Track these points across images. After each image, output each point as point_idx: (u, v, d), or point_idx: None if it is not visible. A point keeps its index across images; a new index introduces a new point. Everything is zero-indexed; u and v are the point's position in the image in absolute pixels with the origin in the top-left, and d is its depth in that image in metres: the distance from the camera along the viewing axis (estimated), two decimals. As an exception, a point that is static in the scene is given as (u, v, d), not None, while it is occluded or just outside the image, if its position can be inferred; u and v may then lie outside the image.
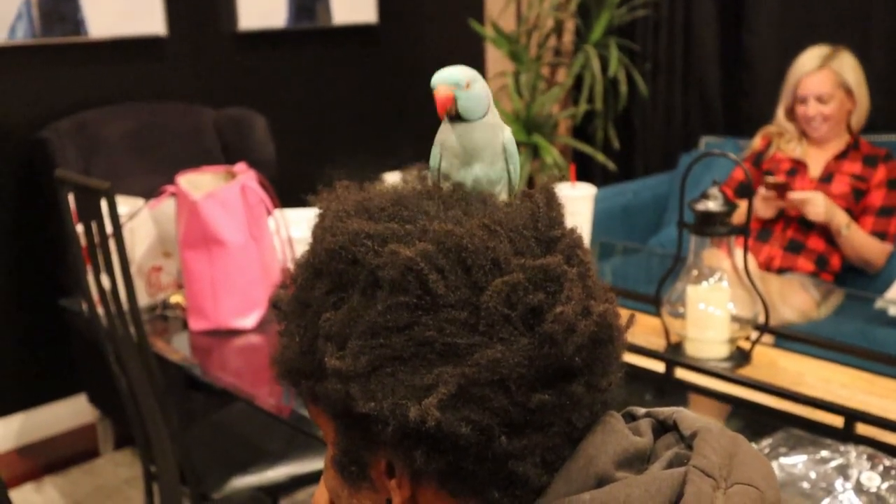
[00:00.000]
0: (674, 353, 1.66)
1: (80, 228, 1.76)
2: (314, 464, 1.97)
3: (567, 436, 0.64)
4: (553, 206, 0.69)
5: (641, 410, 0.72)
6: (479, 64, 4.06)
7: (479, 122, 0.72)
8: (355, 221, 0.66)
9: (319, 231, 0.69)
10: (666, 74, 3.69)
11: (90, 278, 1.80)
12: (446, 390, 0.60)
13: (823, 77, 2.64)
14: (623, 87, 3.52)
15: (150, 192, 2.04)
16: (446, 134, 0.73)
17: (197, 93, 3.23)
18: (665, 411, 0.70)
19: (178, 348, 1.93)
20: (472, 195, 0.71)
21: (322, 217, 0.71)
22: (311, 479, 1.97)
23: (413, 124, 3.81)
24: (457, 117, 0.72)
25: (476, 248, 0.63)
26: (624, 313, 0.70)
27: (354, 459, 0.68)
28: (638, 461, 0.65)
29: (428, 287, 0.62)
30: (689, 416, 0.68)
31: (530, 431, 0.63)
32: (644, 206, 3.34)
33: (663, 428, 0.69)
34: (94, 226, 1.69)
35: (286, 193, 2.06)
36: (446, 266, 0.63)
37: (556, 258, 0.64)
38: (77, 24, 2.90)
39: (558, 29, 3.73)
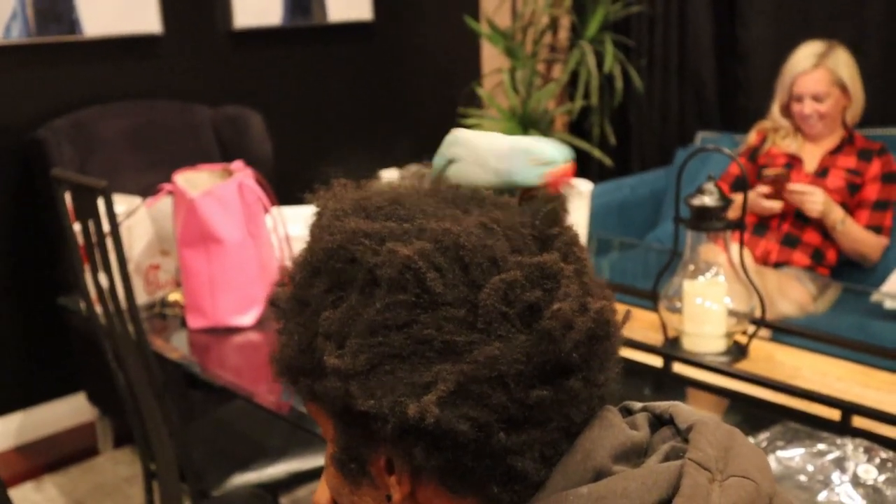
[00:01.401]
0: (671, 348, 1.67)
1: (77, 227, 1.76)
2: (314, 461, 1.97)
3: (565, 431, 0.65)
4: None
5: (638, 405, 0.72)
6: (474, 60, 4.06)
7: None
8: (353, 220, 0.66)
9: (317, 230, 0.70)
10: (661, 70, 3.69)
11: (88, 277, 1.80)
12: (445, 387, 0.61)
13: (819, 76, 2.64)
14: (618, 83, 3.52)
15: (147, 191, 2.04)
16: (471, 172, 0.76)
17: (193, 91, 3.23)
18: (661, 405, 0.70)
19: (176, 346, 1.94)
20: (469, 194, 0.71)
21: (320, 216, 0.71)
22: (312, 475, 1.97)
23: (409, 121, 3.81)
24: None
25: (473, 246, 0.63)
26: (621, 308, 0.70)
27: (354, 457, 0.68)
28: (635, 455, 0.66)
29: (426, 285, 0.62)
30: (685, 409, 0.69)
31: (529, 427, 0.63)
32: (641, 202, 3.34)
33: (660, 422, 0.70)
34: (91, 224, 1.69)
35: (283, 191, 2.06)
36: (444, 264, 0.63)
37: (552, 256, 0.65)
38: (72, 24, 2.90)
39: (553, 25, 3.73)
